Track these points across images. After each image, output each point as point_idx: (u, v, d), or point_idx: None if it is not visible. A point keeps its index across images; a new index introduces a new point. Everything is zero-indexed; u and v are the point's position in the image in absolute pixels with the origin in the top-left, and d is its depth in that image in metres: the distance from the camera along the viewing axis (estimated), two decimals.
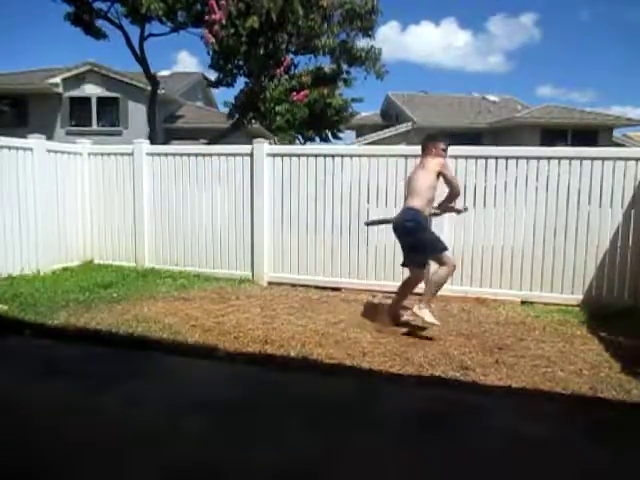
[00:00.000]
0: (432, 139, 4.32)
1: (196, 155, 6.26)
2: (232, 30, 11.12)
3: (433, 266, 4.44)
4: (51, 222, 6.13)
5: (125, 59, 60.87)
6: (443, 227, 5.31)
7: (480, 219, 5.28)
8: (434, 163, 4.09)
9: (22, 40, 50.81)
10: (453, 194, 4.29)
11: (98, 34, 13.13)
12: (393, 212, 5.51)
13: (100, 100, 18.05)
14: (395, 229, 4.27)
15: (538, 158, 5.12)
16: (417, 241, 4.08)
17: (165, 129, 17.84)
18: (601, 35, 67.22)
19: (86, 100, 18.00)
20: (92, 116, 18.09)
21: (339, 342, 3.83)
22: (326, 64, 13.96)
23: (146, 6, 11.04)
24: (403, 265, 4.38)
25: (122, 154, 6.50)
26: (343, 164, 5.65)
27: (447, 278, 4.12)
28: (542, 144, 14.62)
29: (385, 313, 4.35)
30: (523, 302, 5.09)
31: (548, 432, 2.44)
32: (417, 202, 4.08)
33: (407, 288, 4.29)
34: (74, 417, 2.52)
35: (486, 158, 5.22)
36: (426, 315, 3.96)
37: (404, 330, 4.08)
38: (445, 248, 4.14)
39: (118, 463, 2.15)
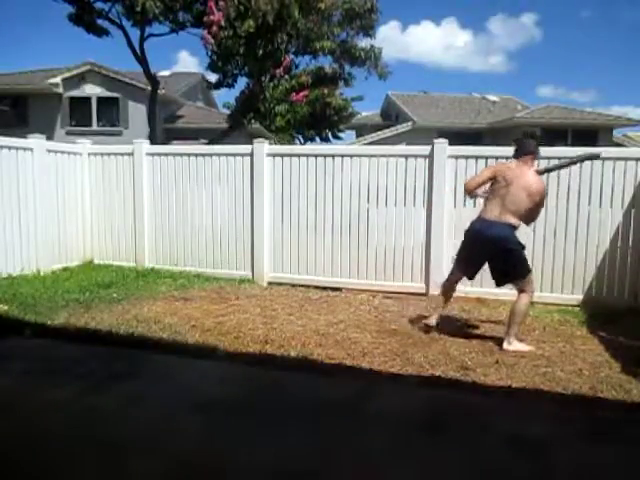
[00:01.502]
0: (534, 146, 4.00)
1: (196, 155, 6.26)
2: (230, 32, 11.13)
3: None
4: (51, 222, 6.13)
5: (125, 59, 60.85)
6: (443, 228, 5.33)
7: None
8: (539, 189, 3.86)
9: (22, 40, 50.83)
10: (537, 214, 4.05)
11: (100, 32, 13.13)
12: (393, 212, 5.56)
13: (100, 100, 18.05)
14: (485, 243, 3.83)
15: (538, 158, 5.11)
16: (515, 260, 3.83)
17: (165, 129, 17.83)
18: (601, 35, 67.28)
19: (86, 100, 18.00)
20: (92, 116, 18.08)
21: (339, 342, 3.83)
22: (327, 64, 13.99)
23: (141, 4, 11.04)
24: (500, 285, 4.02)
25: (122, 154, 6.50)
26: (343, 164, 5.65)
27: (529, 305, 3.94)
28: (542, 144, 14.60)
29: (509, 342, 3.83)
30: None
31: (548, 432, 2.43)
32: (515, 219, 3.79)
33: (525, 309, 3.87)
34: (74, 417, 2.52)
35: (486, 158, 5.21)
36: (520, 347, 3.75)
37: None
38: (530, 270, 3.94)
39: (118, 463, 2.15)
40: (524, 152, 3.96)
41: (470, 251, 3.99)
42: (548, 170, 4.33)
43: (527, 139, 4.11)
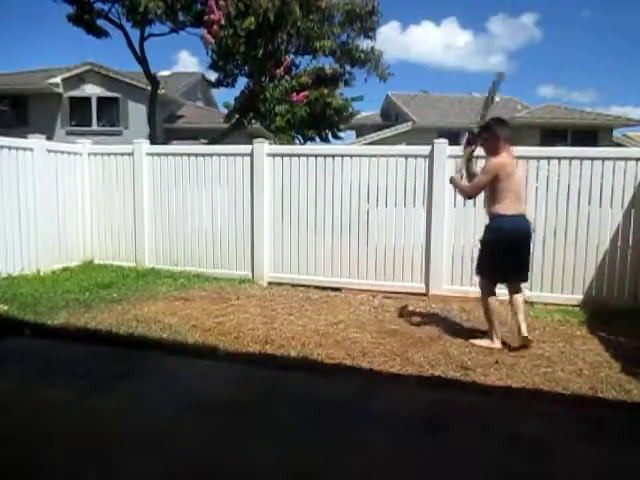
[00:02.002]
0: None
1: (196, 155, 6.26)
2: (231, 31, 11.13)
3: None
4: (51, 222, 6.13)
5: (125, 59, 60.87)
6: (443, 227, 5.33)
7: (480, 219, 5.26)
8: (525, 166, 4.02)
9: (22, 40, 50.87)
10: None
11: (99, 33, 13.14)
12: (393, 212, 5.56)
13: (100, 100, 18.06)
14: (527, 237, 3.88)
15: (538, 158, 5.12)
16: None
17: (165, 129, 17.85)
18: (602, 35, 67.29)
19: (86, 100, 18.01)
20: (92, 116, 18.10)
21: (339, 342, 3.83)
22: (328, 64, 13.99)
23: (144, 4, 11.04)
24: (524, 280, 4.03)
25: (122, 154, 6.50)
26: (343, 164, 5.65)
27: None
28: (542, 144, 14.62)
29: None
30: (523, 302, 5.09)
31: (548, 432, 2.43)
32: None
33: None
34: (73, 417, 2.52)
35: (486, 158, 5.21)
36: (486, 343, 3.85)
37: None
38: None
39: (118, 463, 2.15)
40: (510, 141, 3.85)
41: (518, 252, 3.80)
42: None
43: (506, 126, 3.90)
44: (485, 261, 3.92)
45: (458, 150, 5.36)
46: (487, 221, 3.90)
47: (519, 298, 3.88)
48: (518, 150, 5.40)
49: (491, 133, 3.84)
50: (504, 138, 3.80)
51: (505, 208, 3.72)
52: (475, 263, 4.12)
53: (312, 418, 2.55)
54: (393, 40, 60.60)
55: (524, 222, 3.82)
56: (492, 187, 3.78)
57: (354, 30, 13.15)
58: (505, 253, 3.73)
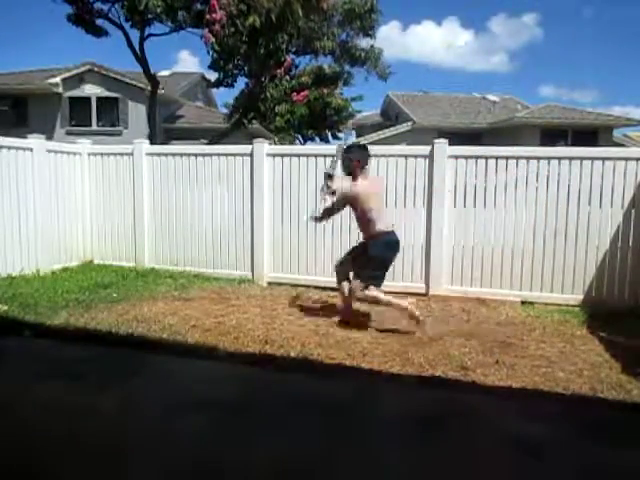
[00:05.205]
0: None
1: (196, 155, 6.26)
2: (232, 30, 11.12)
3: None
4: (51, 222, 6.13)
5: (125, 59, 60.79)
6: (443, 227, 5.33)
7: (480, 219, 5.28)
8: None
9: (22, 40, 50.87)
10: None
11: (99, 33, 13.13)
12: (393, 212, 5.55)
13: (100, 100, 18.04)
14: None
15: (538, 158, 5.11)
16: None
17: (165, 129, 17.83)
18: (603, 35, 67.29)
19: (86, 100, 17.99)
20: (92, 116, 18.08)
21: (339, 342, 3.83)
22: (327, 64, 14.00)
23: (144, 3, 11.02)
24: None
25: (122, 154, 6.50)
26: None
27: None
28: (542, 144, 14.62)
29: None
30: (523, 302, 5.09)
31: (548, 432, 2.43)
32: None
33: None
34: (74, 417, 2.52)
35: (486, 158, 5.22)
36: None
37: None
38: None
39: (118, 463, 2.15)
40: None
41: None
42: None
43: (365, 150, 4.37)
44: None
45: (457, 151, 5.38)
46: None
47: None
48: (518, 150, 5.45)
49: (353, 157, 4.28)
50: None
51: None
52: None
53: (312, 418, 2.55)
54: (393, 40, 60.48)
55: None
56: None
57: (353, 29, 13.16)
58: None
